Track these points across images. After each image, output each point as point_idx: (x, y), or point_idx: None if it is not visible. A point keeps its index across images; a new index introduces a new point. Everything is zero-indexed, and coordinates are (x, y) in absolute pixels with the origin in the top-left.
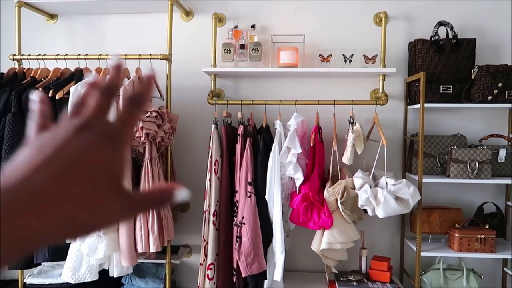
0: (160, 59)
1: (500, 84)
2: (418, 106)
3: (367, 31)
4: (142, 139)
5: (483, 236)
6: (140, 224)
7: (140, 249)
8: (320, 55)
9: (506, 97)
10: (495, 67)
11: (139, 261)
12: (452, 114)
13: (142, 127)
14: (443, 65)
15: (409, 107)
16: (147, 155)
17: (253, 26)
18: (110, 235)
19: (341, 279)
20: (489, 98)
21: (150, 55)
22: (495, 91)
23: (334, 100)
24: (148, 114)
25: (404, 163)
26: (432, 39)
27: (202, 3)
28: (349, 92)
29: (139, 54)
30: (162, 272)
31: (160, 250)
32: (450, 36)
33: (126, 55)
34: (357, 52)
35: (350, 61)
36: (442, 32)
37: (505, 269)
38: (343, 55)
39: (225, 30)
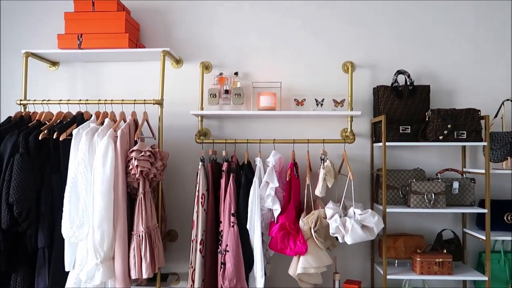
0: (153, 103)
1: (449, 126)
2: (381, 144)
3: (336, 78)
4: (137, 175)
5: (441, 260)
6: (134, 252)
7: (133, 275)
8: (295, 99)
9: (455, 137)
10: (445, 110)
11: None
12: (413, 151)
13: (137, 165)
14: (402, 108)
15: (374, 144)
16: (141, 190)
17: (236, 73)
18: (106, 262)
19: None
20: (441, 137)
21: (144, 100)
22: (445, 132)
23: (308, 139)
24: (142, 153)
25: (372, 195)
26: (392, 86)
27: (191, 52)
28: (321, 132)
29: (134, 100)
30: None
31: (151, 277)
32: (408, 83)
33: (122, 100)
34: (328, 96)
35: (322, 104)
36: (402, 79)
37: None
38: (315, 99)
39: (211, 76)
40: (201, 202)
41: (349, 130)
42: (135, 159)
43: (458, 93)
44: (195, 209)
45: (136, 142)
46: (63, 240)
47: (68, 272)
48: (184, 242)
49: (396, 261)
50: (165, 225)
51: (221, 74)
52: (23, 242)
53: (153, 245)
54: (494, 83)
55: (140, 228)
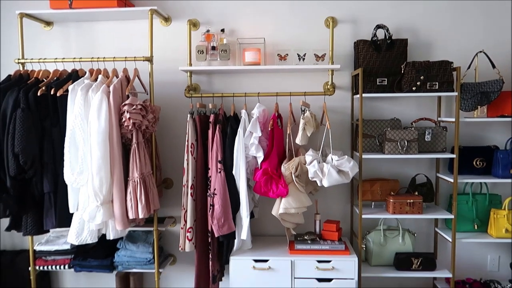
0: (143, 60)
1: (422, 77)
2: (363, 95)
3: (318, 33)
4: (130, 127)
5: (412, 200)
6: (130, 196)
7: (131, 215)
8: (278, 54)
9: (427, 88)
10: (419, 63)
11: (131, 229)
12: (392, 102)
13: (129, 118)
14: (380, 62)
15: (354, 96)
16: (134, 140)
17: (222, 30)
18: (105, 205)
19: (298, 239)
20: (414, 88)
21: (135, 57)
22: (418, 83)
23: (290, 92)
24: (134, 106)
25: (352, 143)
26: (372, 40)
27: (179, 10)
28: (304, 85)
29: (125, 57)
30: (151, 239)
31: (147, 217)
32: (386, 37)
33: (114, 57)
34: (310, 51)
35: (304, 59)
36: (382, 33)
37: (435, 229)
38: (297, 54)
39: (198, 33)
40: (191, 151)
41: (330, 83)
42: (127, 112)
43: (435, 46)
44: (185, 158)
45: (128, 97)
46: (66, 185)
47: (72, 213)
48: (179, 189)
49: (373, 203)
50: (160, 173)
51: (208, 31)
52: (30, 188)
53: (147, 190)
54: (470, 36)
55: (135, 174)
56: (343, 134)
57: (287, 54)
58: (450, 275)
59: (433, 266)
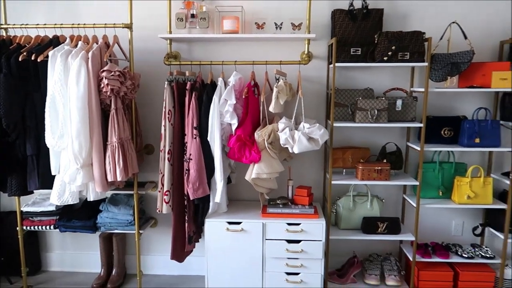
0: (123, 27)
1: (393, 47)
2: (337, 65)
3: (296, 2)
4: (108, 93)
5: (379, 168)
6: (109, 159)
7: (109, 178)
8: (255, 23)
9: (398, 58)
10: (392, 33)
11: (114, 192)
12: (367, 72)
13: (107, 84)
14: (356, 31)
15: (330, 66)
16: (113, 106)
17: None
18: (85, 168)
19: (271, 203)
20: (386, 58)
21: (114, 24)
22: (390, 53)
23: (266, 61)
24: (112, 73)
25: (327, 112)
26: (348, 9)
27: None
28: (282, 54)
29: (105, 23)
30: (132, 202)
31: (126, 180)
32: (363, 7)
33: (94, 24)
34: (287, 20)
35: (281, 28)
36: (359, 3)
37: (403, 195)
38: (274, 23)
39: (179, 1)
40: (168, 118)
41: (305, 52)
42: (105, 78)
43: (411, 17)
44: (163, 123)
45: (106, 63)
46: (48, 149)
47: (55, 175)
48: (160, 154)
49: (344, 170)
50: (141, 139)
51: None
52: (14, 151)
53: (126, 154)
54: (445, 8)
55: (113, 139)
56: (319, 103)
57: (265, 23)
58: (413, 239)
59: (398, 230)
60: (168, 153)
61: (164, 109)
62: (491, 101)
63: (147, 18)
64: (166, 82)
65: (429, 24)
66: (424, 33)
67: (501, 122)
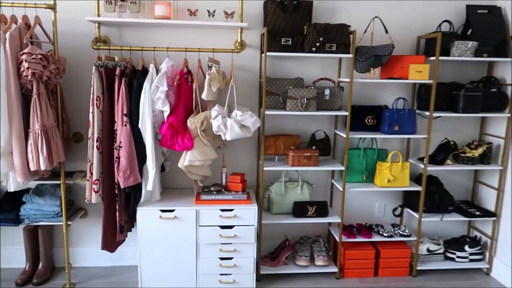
0: (45, 7)
1: (321, 39)
2: (268, 54)
3: None
4: (29, 77)
5: (309, 154)
6: (31, 147)
7: (32, 167)
8: (188, 9)
9: (326, 49)
10: (320, 25)
11: (39, 182)
12: (297, 62)
13: (28, 67)
14: (286, 22)
15: (262, 55)
16: (34, 91)
17: None
18: (5, 157)
19: (205, 190)
20: (314, 49)
21: (36, 4)
22: (318, 44)
23: (199, 48)
24: (33, 56)
25: (260, 100)
26: (279, 0)
27: None
28: (216, 42)
29: (25, 3)
30: (60, 192)
31: (50, 169)
32: None
33: (12, 3)
34: (220, 8)
35: (213, 15)
36: None
37: (332, 180)
38: (207, 10)
39: None
40: (96, 104)
41: (238, 41)
42: (25, 61)
43: (339, 10)
44: (91, 110)
45: (27, 45)
46: None
47: None
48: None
49: (276, 157)
50: (68, 126)
51: None
52: None
53: (50, 142)
54: (368, 3)
55: (36, 126)
56: (252, 91)
57: (197, 10)
58: (340, 221)
59: (326, 213)
60: (97, 141)
61: (92, 95)
62: (409, 91)
63: (74, 0)
64: (94, 67)
65: (354, 17)
66: (349, 26)
67: (418, 111)
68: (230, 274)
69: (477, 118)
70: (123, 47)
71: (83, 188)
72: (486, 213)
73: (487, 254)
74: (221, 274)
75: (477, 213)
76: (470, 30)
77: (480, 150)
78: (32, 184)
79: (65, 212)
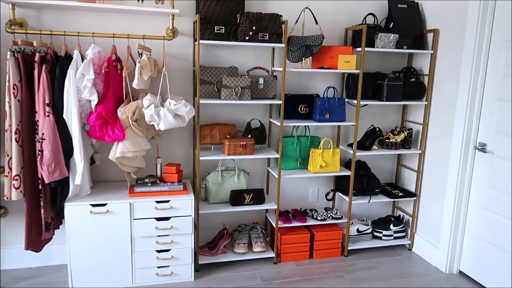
0: None
1: (254, 28)
2: (201, 42)
3: None
4: None
5: (244, 143)
6: None
7: None
8: None
9: (259, 38)
10: (253, 13)
11: None
12: (231, 51)
13: None
14: (219, 10)
15: (195, 43)
16: None
17: None
18: None
19: (139, 182)
20: (247, 38)
21: None
22: (251, 33)
23: (128, 35)
24: None
25: (194, 89)
26: None
27: None
28: (147, 29)
29: None
30: None
31: None
32: None
33: None
34: None
35: (143, 0)
36: None
37: (268, 168)
38: None
39: None
40: (13, 93)
41: (170, 28)
42: None
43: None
44: (7, 100)
45: None
46: None
47: None
48: (6, 135)
49: (212, 146)
50: None
51: None
52: None
53: None
54: None
55: None
56: (186, 80)
57: None
58: (276, 207)
59: (263, 200)
60: (16, 133)
61: (7, 84)
62: (338, 80)
63: None
64: (9, 53)
65: (286, 8)
66: (281, 16)
67: (346, 99)
68: (167, 266)
69: (399, 106)
70: (42, 31)
71: (2, 184)
72: (408, 194)
73: (409, 231)
74: (158, 267)
75: (400, 194)
76: (392, 23)
77: (402, 136)
78: None
79: None
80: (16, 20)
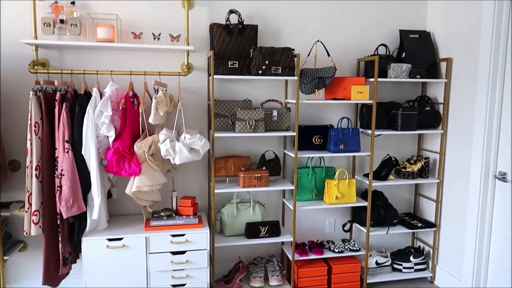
0: None
1: (267, 62)
2: (215, 77)
3: (175, 14)
4: None
5: (259, 174)
6: None
7: None
8: (132, 32)
9: (272, 71)
10: (265, 48)
11: None
12: (245, 84)
13: None
14: (233, 45)
15: (210, 78)
16: None
17: (73, 3)
18: None
19: (155, 216)
20: (260, 72)
21: None
22: (264, 67)
23: (145, 72)
24: None
25: (209, 123)
26: (225, 24)
27: None
28: (161, 64)
29: None
30: None
31: None
32: (238, 22)
33: None
34: (165, 31)
35: (159, 38)
36: (235, 18)
37: (283, 199)
38: (152, 33)
39: (45, 4)
40: (35, 131)
41: (185, 63)
42: None
43: (283, 33)
44: (28, 137)
45: None
46: None
47: None
48: (26, 171)
49: (227, 178)
50: (3, 154)
51: (56, 2)
52: None
53: None
54: (310, 27)
55: None
56: (201, 114)
57: (142, 33)
58: (292, 239)
59: (278, 233)
60: (36, 169)
61: (29, 121)
62: (352, 111)
63: (9, 21)
64: (31, 92)
65: (298, 41)
66: (293, 49)
67: (361, 129)
68: None
69: (415, 135)
70: (63, 70)
71: (22, 219)
72: (427, 224)
73: (430, 263)
74: None
75: (419, 224)
76: (404, 53)
77: (419, 165)
78: None
79: (0, 246)
80: (39, 60)
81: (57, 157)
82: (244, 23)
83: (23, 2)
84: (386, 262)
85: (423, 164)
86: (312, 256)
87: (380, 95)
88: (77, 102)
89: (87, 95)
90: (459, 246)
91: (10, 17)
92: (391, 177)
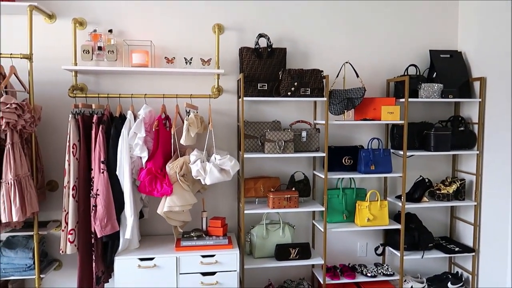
0: (21, 58)
1: (296, 83)
2: (245, 98)
3: (206, 39)
4: (3, 127)
5: (289, 196)
6: (3, 198)
7: (3, 219)
8: (165, 57)
9: (301, 93)
10: (294, 70)
11: (10, 234)
12: (274, 106)
13: (2, 117)
14: (262, 68)
15: (239, 100)
16: (8, 140)
17: (110, 31)
18: None
19: (185, 236)
20: (289, 93)
21: (11, 54)
22: (293, 88)
23: (176, 94)
24: (8, 105)
25: (238, 143)
26: (255, 47)
27: (64, 8)
28: (192, 87)
29: (0, 53)
30: (32, 244)
31: (22, 220)
32: (267, 45)
33: None
34: (196, 55)
35: (190, 63)
36: (264, 42)
37: (313, 221)
38: (184, 58)
39: (85, 32)
40: (73, 152)
41: (216, 86)
42: (0, 111)
43: (311, 55)
44: (67, 158)
45: (1, 95)
46: None
47: None
48: (64, 191)
49: (257, 199)
50: (42, 175)
51: (95, 31)
52: None
53: (23, 192)
54: (339, 49)
55: (8, 176)
56: (231, 135)
57: (174, 58)
58: (323, 262)
59: (309, 255)
60: (73, 189)
61: (68, 143)
62: (382, 131)
63: (50, 48)
64: (70, 115)
65: (326, 62)
66: (322, 71)
67: (392, 150)
68: None
69: (449, 156)
70: (100, 94)
71: (58, 238)
72: (465, 249)
73: None
74: None
75: (456, 249)
76: (435, 73)
77: (454, 187)
78: (3, 236)
79: (37, 264)
80: (78, 85)
81: (93, 177)
82: (273, 46)
83: (64, 31)
84: None
85: (458, 185)
86: (344, 280)
87: (411, 115)
88: (113, 124)
89: (122, 118)
90: (501, 272)
91: (52, 45)
92: (425, 199)
